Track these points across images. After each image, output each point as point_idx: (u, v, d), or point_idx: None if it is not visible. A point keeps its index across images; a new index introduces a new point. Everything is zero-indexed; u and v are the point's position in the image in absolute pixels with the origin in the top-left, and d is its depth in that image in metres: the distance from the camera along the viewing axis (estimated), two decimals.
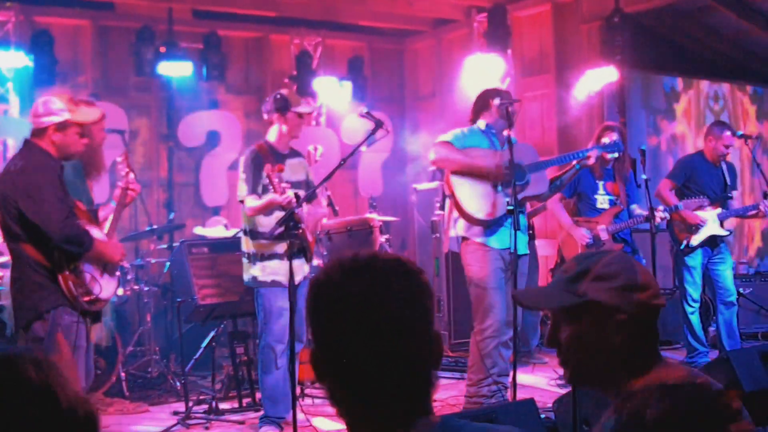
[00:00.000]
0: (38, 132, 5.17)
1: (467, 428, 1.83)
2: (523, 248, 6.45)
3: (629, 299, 2.30)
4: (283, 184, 6.09)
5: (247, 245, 6.61)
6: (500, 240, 6.51)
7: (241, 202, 6.55)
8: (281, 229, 5.87)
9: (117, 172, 5.89)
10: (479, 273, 6.52)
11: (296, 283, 6.30)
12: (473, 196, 6.52)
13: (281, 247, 6.40)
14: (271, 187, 6.04)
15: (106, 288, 5.31)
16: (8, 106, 9.77)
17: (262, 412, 6.63)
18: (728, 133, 8.31)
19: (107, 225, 5.53)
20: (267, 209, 6.39)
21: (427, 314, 1.79)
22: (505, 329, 6.58)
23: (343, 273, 1.78)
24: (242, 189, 6.52)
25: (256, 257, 6.52)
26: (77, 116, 5.22)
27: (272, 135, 6.71)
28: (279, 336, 6.44)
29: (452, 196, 6.63)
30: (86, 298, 5.12)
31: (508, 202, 6.22)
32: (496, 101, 6.63)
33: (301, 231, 6.02)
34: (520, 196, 6.25)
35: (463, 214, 6.53)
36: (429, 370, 1.79)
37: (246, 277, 6.62)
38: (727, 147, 8.32)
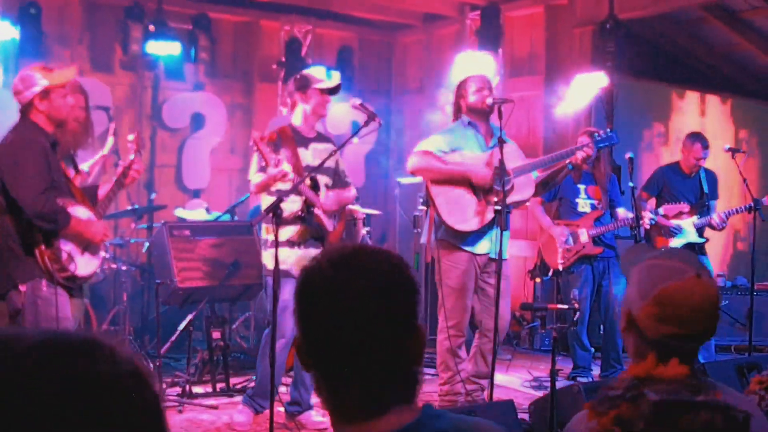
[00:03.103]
0: (26, 107, 5.23)
1: (446, 417, 1.85)
2: (504, 252, 6.46)
3: None
4: (280, 156, 5.92)
5: (264, 230, 6.41)
6: (477, 246, 6.51)
7: (249, 180, 6.38)
8: (297, 211, 5.86)
9: (132, 149, 5.87)
10: (451, 272, 6.52)
11: None
12: (454, 208, 6.46)
13: (292, 234, 6.23)
14: (263, 160, 5.82)
15: (85, 266, 5.32)
16: None
17: (247, 392, 6.52)
18: (698, 145, 8.36)
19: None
20: (268, 186, 6.14)
21: (409, 308, 1.83)
22: (489, 335, 6.59)
23: (330, 263, 1.81)
24: (252, 168, 6.32)
25: (267, 243, 6.28)
26: (55, 79, 5.24)
27: (297, 117, 6.47)
28: (282, 329, 6.09)
29: (432, 205, 6.59)
30: (62, 275, 5.14)
31: (496, 202, 6.20)
32: (472, 89, 6.59)
33: (308, 216, 5.92)
34: (498, 208, 6.17)
35: (444, 224, 6.50)
36: (409, 363, 1.83)
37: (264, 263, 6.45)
38: (697, 159, 8.38)
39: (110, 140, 6.16)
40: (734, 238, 12.59)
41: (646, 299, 2.36)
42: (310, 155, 6.36)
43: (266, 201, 6.23)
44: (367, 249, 1.87)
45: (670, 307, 2.33)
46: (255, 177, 6.18)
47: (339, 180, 6.59)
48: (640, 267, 2.45)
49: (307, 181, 5.98)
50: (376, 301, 1.77)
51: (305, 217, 5.91)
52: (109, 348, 1.14)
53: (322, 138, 6.58)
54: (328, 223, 6.30)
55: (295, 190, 5.83)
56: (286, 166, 5.89)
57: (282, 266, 6.07)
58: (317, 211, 6.13)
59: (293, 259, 6.17)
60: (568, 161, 6.65)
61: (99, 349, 1.13)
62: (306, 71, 6.51)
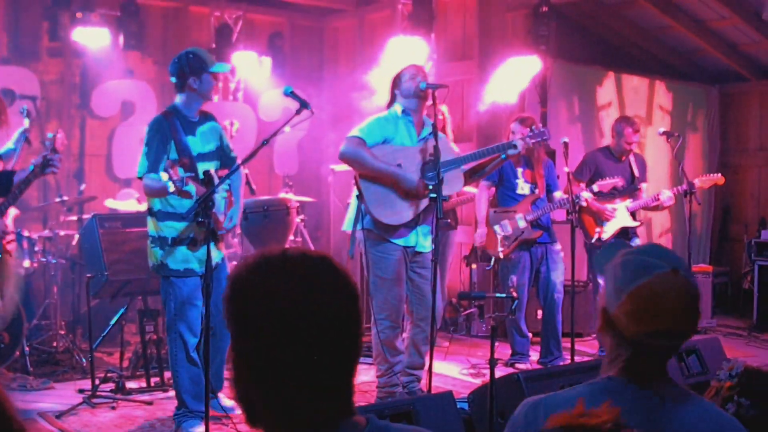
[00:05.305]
0: None
1: (391, 429, 1.81)
2: (423, 246, 6.49)
3: None
4: (185, 176, 5.65)
5: (154, 227, 6.05)
6: (404, 239, 6.46)
7: (140, 179, 5.99)
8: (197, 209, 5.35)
9: (48, 147, 5.68)
10: (379, 263, 6.47)
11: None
12: (382, 202, 6.39)
13: (193, 232, 5.92)
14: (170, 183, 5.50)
15: None
16: None
17: (176, 406, 6.14)
18: (630, 130, 8.41)
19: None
20: (164, 195, 5.85)
21: (351, 316, 1.77)
22: (423, 325, 6.54)
23: (269, 270, 1.73)
24: (142, 164, 5.94)
25: (165, 242, 5.98)
26: None
27: (181, 99, 6.16)
28: (194, 329, 5.98)
29: (360, 197, 6.49)
30: None
31: (430, 188, 6.14)
32: (406, 76, 6.53)
33: (205, 217, 5.48)
34: (433, 196, 6.07)
35: (371, 216, 6.43)
36: (351, 372, 1.78)
37: (152, 262, 6.08)
38: (629, 144, 8.43)
39: (26, 122, 5.97)
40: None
41: (621, 297, 2.31)
42: (198, 141, 6.09)
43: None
44: (307, 254, 1.78)
45: (645, 305, 2.27)
46: (150, 180, 5.86)
47: (226, 158, 6.28)
48: (614, 264, 2.39)
49: (200, 175, 5.71)
50: (318, 311, 1.70)
51: (202, 219, 5.49)
52: None
53: (205, 118, 6.25)
54: (223, 219, 6.09)
55: (209, 198, 5.43)
56: (191, 187, 5.66)
57: (187, 265, 5.99)
58: (215, 210, 5.72)
59: (196, 257, 5.94)
60: (503, 155, 6.62)
61: None
62: (196, 51, 6.14)
